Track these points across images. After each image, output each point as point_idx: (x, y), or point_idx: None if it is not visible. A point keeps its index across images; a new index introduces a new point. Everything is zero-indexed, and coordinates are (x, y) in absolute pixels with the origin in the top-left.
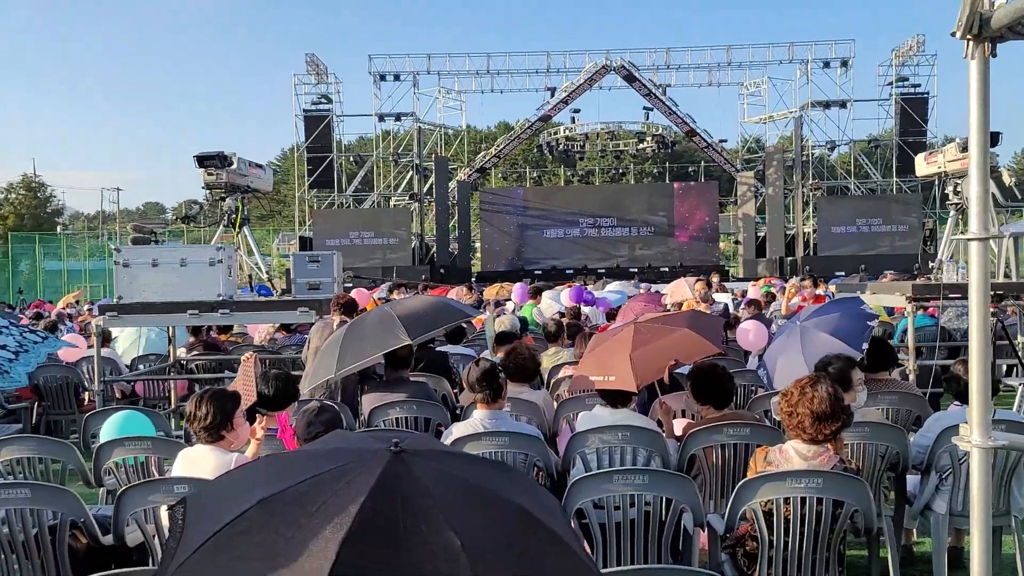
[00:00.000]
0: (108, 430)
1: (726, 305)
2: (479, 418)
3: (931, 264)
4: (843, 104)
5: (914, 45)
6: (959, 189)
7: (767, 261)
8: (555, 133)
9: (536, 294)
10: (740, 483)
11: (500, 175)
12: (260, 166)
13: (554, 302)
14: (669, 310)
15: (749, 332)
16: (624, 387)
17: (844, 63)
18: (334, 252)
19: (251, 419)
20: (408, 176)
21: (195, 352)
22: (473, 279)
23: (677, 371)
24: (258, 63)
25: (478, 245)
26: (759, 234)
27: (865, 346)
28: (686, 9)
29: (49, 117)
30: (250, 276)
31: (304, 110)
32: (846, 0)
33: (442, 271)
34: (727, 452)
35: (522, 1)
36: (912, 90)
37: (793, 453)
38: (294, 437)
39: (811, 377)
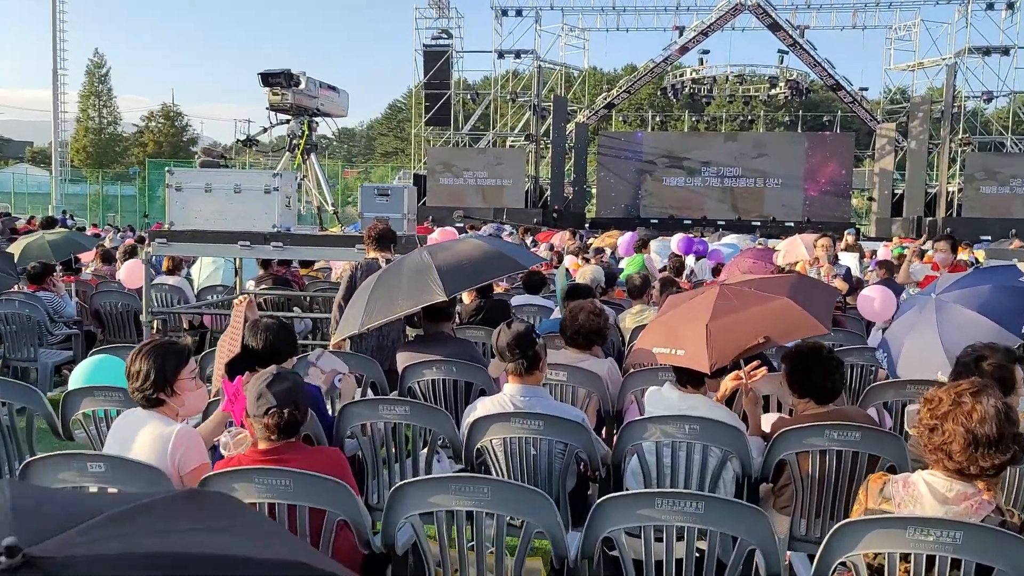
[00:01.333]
0: (77, 376)
1: (848, 269)
2: (509, 394)
3: None
4: (1006, 51)
5: None
6: None
7: (903, 221)
8: (681, 75)
9: (643, 245)
10: (839, 524)
11: (621, 119)
12: (333, 88)
13: (660, 256)
14: (784, 271)
15: (874, 300)
16: (693, 365)
17: (1010, 5)
18: (405, 187)
19: (232, 376)
20: (525, 116)
21: (263, 286)
22: (587, 225)
23: (767, 351)
24: None
25: (594, 190)
26: (896, 191)
27: None
28: None
29: (188, 50)
30: (319, 208)
31: (424, 45)
32: None
33: (555, 215)
34: (828, 461)
35: None
36: None
37: (925, 489)
38: (244, 413)
39: (974, 382)
